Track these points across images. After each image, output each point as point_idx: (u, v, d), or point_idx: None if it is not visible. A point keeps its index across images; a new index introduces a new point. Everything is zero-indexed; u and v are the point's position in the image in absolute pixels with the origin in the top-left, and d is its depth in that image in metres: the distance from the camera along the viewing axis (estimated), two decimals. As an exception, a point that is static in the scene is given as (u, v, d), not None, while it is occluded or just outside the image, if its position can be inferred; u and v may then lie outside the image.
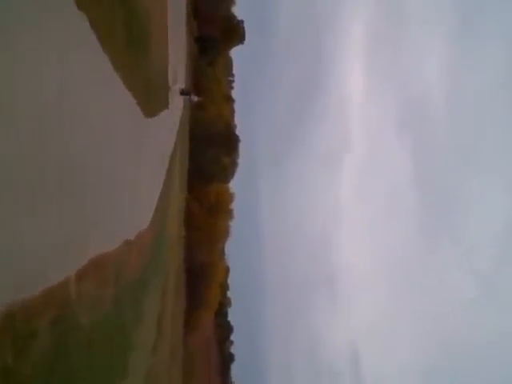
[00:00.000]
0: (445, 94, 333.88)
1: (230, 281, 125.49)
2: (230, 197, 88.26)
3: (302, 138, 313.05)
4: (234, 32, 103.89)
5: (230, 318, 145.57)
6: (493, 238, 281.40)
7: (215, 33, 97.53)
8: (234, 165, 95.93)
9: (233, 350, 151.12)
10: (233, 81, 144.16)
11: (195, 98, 43.84)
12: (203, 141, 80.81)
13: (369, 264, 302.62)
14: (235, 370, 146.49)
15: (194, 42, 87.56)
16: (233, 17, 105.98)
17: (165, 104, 29.93)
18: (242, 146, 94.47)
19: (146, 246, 22.55)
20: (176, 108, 39.15)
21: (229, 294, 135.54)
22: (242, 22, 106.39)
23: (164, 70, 29.62)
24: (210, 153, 78.72)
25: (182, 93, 41.33)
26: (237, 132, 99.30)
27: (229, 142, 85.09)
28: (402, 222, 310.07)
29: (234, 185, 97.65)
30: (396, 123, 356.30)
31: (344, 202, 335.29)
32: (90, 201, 13.13)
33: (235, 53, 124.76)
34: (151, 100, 24.26)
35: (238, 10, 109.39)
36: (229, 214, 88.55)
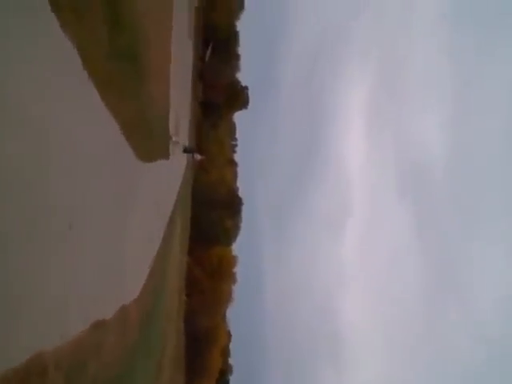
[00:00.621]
0: (445, 157, 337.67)
1: (231, 346, 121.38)
2: (233, 260, 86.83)
3: (303, 201, 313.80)
4: (237, 97, 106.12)
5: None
6: (498, 303, 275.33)
7: (220, 98, 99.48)
8: (236, 228, 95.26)
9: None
10: (236, 145, 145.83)
11: (198, 157, 42.57)
12: (205, 203, 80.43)
13: (373, 329, 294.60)
14: None
15: (199, 106, 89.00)
16: (237, 82, 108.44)
17: (164, 152, 27.03)
18: (244, 209, 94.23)
19: (131, 323, 17.45)
20: (178, 162, 37.07)
21: (230, 360, 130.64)
22: (246, 87, 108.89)
23: (164, 115, 27.70)
24: (212, 215, 78.07)
25: (185, 150, 40.71)
26: (239, 194, 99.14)
27: (232, 204, 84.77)
28: (406, 285, 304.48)
29: (236, 248, 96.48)
30: (397, 186, 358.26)
31: (347, 265, 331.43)
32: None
33: (239, 116, 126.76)
34: (147, 142, 21.13)
35: (242, 76, 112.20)
36: (232, 277, 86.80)
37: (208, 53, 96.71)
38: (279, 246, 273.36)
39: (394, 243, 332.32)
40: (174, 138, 25.55)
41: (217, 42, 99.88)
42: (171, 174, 32.33)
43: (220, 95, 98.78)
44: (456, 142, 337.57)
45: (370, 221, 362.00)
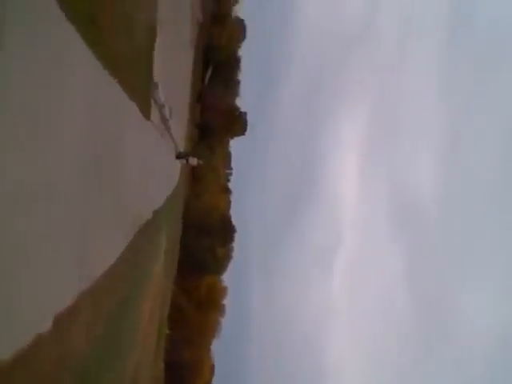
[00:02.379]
0: (438, 196, 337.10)
1: (214, 381, 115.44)
2: (222, 291, 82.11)
3: (294, 234, 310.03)
4: (236, 123, 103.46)
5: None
6: (489, 344, 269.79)
7: (218, 122, 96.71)
8: (227, 257, 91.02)
9: None
10: (230, 174, 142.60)
11: (195, 161, 36.75)
12: (197, 229, 76.48)
13: (359, 364, 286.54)
14: None
15: (195, 128, 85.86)
16: (236, 108, 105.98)
17: (143, 101, 17.74)
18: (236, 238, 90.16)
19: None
20: (166, 145, 28.60)
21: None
22: (245, 113, 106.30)
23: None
24: (204, 242, 73.91)
25: (179, 156, 35.99)
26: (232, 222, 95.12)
27: (225, 231, 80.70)
28: (394, 322, 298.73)
29: (225, 278, 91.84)
30: (388, 224, 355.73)
31: (335, 300, 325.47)
32: None
33: (233, 145, 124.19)
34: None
35: (241, 102, 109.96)
36: (220, 309, 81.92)
37: (208, 74, 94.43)
38: (268, 277, 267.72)
39: (384, 280, 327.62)
40: (160, 90, 17.03)
41: (217, 65, 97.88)
42: (160, 158, 24.75)
43: (218, 119, 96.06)
44: (449, 181, 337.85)
45: (360, 257, 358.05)
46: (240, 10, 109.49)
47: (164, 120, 21.93)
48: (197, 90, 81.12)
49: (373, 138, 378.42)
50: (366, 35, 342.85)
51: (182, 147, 42.67)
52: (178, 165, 40.17)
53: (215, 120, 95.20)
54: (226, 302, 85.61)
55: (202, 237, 76.28)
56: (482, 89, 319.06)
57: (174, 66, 25.97)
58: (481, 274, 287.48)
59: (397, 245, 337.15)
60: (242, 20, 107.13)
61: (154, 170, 20.47)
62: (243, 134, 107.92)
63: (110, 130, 10.33)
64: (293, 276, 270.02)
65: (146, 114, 15.54)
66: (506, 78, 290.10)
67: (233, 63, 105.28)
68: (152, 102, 16.71)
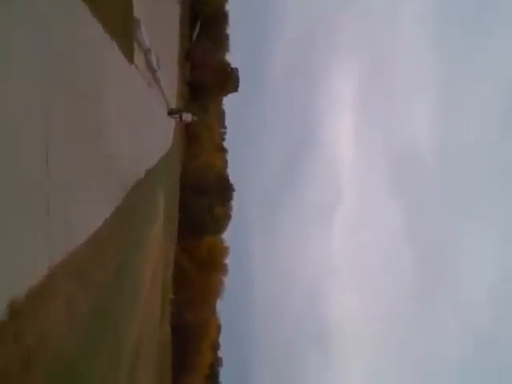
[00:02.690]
0: (434, 148, 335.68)
1: (221, 339, 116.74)
2: (223, 251, 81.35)
3: (292, 192, 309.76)
4: (227, 79, 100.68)
5: (221, 379, 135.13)
6: (488, 292, 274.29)
7: (209, 79, 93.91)
8: (227, 216, 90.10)
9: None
10: (225, 133, 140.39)
11: (189, 117, 32.74)
12: (194, 189, 75.17)
13: (361, 321, 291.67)
14: None
15: (186, 85, 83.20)
16: (227, 64, 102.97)
17: (126, 40, 15.08)
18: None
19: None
20: (154, 94, 24.00)
21: (219, 353, 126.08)
22: (236, 69, 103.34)
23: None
24: (202, 202, 72.63)
25: (171, 112, 33.16)
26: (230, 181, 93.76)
27: (223, 190, 79.37)
28: (395, 276, 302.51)
29: (225, 237, 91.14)
30: (386, 179, 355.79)
31: (335, 258, 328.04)
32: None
33: (227, 103, 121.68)
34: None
35: (232, 58, 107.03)
36: (222, 269, 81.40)
37: (196, 31, 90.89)
38: (268, 236, 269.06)
39: (384, 234, 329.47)
40: (143, 31, 14.44)
41: (205, 21, 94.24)
42: (149, 111, 21.67)
43: (209, 76, 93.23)
44: (444, 133, 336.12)
45: (359, 214, 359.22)
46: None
47: (151, 68, 20.03)
48: (185, 48, 78.09)
49: (368, 93, 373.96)
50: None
51: (173, 105, 40.56)
52: (171, 123, 38.06)
53: (206, 77, 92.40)
54: (228, 261, 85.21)
55: (199, 197, 75.08)
56: (478, 38, 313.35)
57: (158, 7, 23.70)
58: (480, 224, 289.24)
59: (395, 200, 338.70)
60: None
61: (142, 123, 18.67)
62: (236, 91, 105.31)
63: (87, 68, 8.68)
64: (292, 234, 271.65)
65: (129, 57, 13.69)
66: (502, 27, 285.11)
67: (220, 18, 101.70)
68: (135, 44, 14.82)
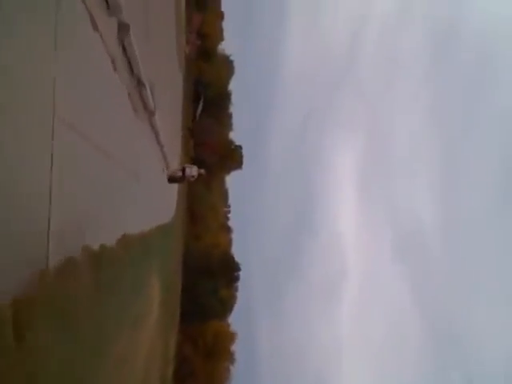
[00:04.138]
0: (437, 221, 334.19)
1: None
2: (230, 337, 75.63)
3: (297, 268, 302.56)
4: (231, 157, 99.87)
5: None
6: (507, 364, 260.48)
7: (212, 157, 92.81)
8: (233, 298, 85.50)
9: None
10: (229, 211, 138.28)
11: (194, 171, 23.95)
12: (199, 271, 71.23)
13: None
14: None
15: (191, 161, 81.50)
16: (230, 142, 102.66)
17: None
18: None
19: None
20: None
21: None
22: (240, 147, 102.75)
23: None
24: (207, 284, 68.43)
25: (172, 177, 26.04)
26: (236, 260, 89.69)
27: (228, 271, 75.28)
28: (404, 348, 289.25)
29: (231, 321, 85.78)
30: (391, 252, 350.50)
31: (344, 331, 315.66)
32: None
33: (230, 183, 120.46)
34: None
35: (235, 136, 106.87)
36: (229, 356, 75.35)
37: (199, 109, 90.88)
38: (274, 317, 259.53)
39: (391, 307, 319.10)
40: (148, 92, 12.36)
41: (208, 100, 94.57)
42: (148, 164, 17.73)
43: (212, 155, 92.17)
44: (447, 205, 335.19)
45: (365, 287, 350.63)
46: (225, 47, 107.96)
47: (154, 129, 17.21)
48: (188, 126, 77.24)
49: (367, 168, 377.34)
50: (352, 67, 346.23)
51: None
52: (173, 192, 34.55)
53: (209, 156, 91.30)
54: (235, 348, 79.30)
55: (204, 279, 70.95)
56: (474, 106, 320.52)
57: (163, 81, 20.91)
58: (490, 295, 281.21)
59: (400, 270, 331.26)
60: (228, 57, 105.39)
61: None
62: (240, 168, 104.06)
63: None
64: (298, 314, 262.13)
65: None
66: (496, 92, 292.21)
67: (224, 97, 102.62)
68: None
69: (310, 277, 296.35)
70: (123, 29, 8.51)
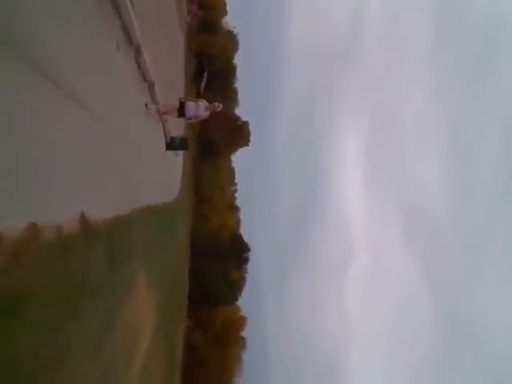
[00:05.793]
0: (446, 196, 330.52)
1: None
2: (241, 322, 71.89)
3: (304, 250, 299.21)
4: (238, 133, 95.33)
5: None
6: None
7: (219, 134, 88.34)
8: (242, 280, 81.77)
9: None
10: (236, 190, 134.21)
11: (201, 111, 16.62)
12: (207, 254, 67.30)
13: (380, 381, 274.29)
14: None
15: (195, 142, 76.98)
16: (237, 118, 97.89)
17: None
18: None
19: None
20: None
21: None
22: (247, 122, 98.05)
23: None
24: (216, 268, 64.50)
25: (171, 142, 20.48)
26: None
27: (238, 252, 71.34)
28: (414, 333, 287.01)
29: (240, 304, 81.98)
30: (400, 230, 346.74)
31: (350, 314, 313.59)
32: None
33: (236, 161, 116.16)
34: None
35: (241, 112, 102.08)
36: (240, 343, 71.75)
37: (203, 83, 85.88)
38: (281, 299, 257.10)
39: (401, 287, 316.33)
40: None
41: (212, 73, 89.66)
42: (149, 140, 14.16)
43: (219, 132, 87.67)
44: (455, 179, 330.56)
45: (373, 269, 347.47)
46: (228, 22, 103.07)
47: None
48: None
49: (374, 146, 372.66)
50: (355, 42, 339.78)
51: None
52: (174, 162, 29.81)
53: (216, 133, 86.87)
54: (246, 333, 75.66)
55: (213, 262, 67.04)
56: (478, 84, 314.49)
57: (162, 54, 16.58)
58: (498, 266, 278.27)
59: (411, 248, 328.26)
60: (232, 31, 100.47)
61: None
62: (247, 145, 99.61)
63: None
64: (307, 295, 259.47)
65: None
66: (500, 69, 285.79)
67: (229, 71, 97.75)
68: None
69: (317, 258, 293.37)
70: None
